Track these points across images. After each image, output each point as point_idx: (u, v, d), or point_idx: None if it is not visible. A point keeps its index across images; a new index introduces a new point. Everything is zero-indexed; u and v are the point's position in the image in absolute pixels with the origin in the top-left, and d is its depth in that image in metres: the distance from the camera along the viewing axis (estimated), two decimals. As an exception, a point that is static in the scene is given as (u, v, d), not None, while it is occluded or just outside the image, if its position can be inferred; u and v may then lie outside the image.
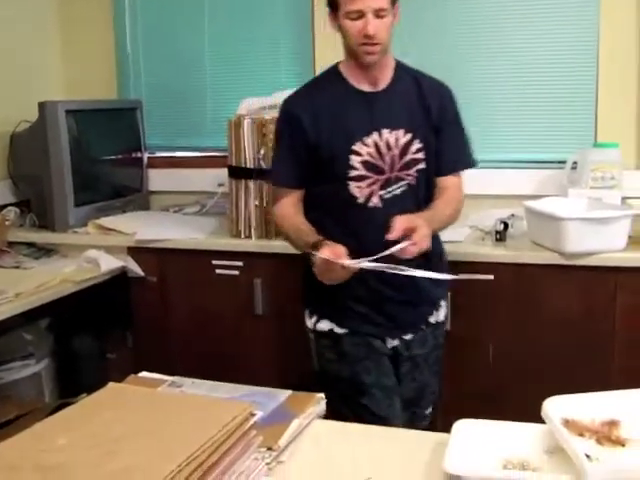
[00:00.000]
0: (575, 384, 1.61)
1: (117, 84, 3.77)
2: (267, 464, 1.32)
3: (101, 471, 1.04)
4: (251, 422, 1.23)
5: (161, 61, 3.69)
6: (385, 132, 2.08)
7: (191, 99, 3.66)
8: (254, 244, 2.95)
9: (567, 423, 1.31)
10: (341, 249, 1.88)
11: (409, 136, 2.10)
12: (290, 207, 2.18)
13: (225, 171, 3.03)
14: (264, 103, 3.15)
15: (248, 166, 2.93)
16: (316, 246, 1.92)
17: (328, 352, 2.23)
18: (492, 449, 1.36)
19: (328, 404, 1.59)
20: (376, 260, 1.82)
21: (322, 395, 1.59)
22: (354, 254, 1.89)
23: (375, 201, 2.10)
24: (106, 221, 3.18)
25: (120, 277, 3.02)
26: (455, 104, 2.21)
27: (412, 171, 2.12)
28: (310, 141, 2.10)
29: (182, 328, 3.08)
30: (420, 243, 1.87)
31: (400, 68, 2.17)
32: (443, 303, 2.33)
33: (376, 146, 2.08)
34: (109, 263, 2.96)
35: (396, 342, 2.22)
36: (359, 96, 2.11)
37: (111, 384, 1.37)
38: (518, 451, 1.35)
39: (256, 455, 1.26)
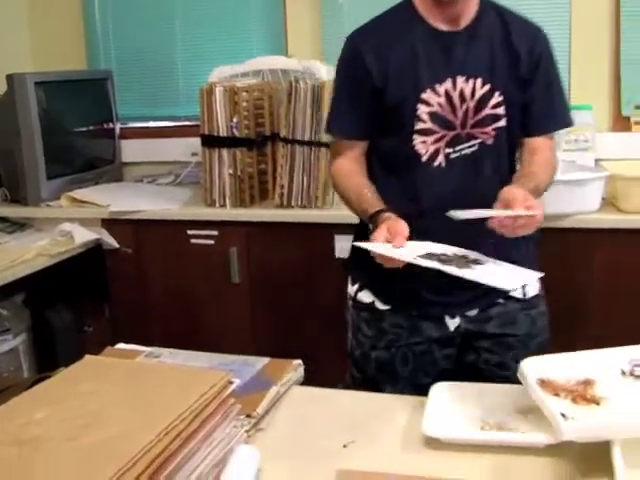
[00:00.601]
0: (555, 347, 1.60)
1: (86, 54, 3.71)
2: (246, 431, 1.33)
3: (79, 443, 1.03)
4: (229, 390, 1.23)
5: (131, 31, 3.63)
6: (460, 80, 1.72)
7: (162, 68, 3.61)
8: (229, 213, 2.93)
9: (542, 383, 1.32)
10: (401, 228, 1.55)
11: (488, 87, 1.73)
12: (351, 164, 1.83)
13: (198, 140, 3.01)
14: (236, 71, 3.13)
15: (221, 134, 2.91)
16: (375, 220, 1.64)
17: (365, 327, 1.87)
18: (470, 411, 1.37)
19: (356, 387, 1.56)
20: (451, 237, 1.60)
21: (299, 361, 1.59)
22: (415, 223, 1.60)
23: (440, 160, 1.74)
24: (79, 193, 3.15)
25: (95, 249, 3.00)
26: (551, 52, 1.83)
27: (488, 129, 1.75)
28: (374, 84, 1.74)
29: (159, 298, 3.07)
30: (539, 217, 1.53)
31: (484, 2, 1.78)
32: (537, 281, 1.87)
33: (448, 96, 1.72)
34: (83, 236, 2.94)
35: (457, 321, 1.81)
36: (434, 36, 1.74)
37: (88, 356, 1.36)
38: (495, 412, 1.36)
39: (235, 423, 1.26)
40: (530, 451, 1.25)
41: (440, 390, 1.43)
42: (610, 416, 1.22)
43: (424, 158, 1.74)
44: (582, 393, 1.29)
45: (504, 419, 1.34)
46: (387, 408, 1.46)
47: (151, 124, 3.70)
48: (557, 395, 1.29)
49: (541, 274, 1.60)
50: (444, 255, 1.54)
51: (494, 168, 1.77)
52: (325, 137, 2.83)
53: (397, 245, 1.51)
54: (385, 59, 1.73)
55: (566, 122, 1.87)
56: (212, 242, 2.94)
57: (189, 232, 2.96)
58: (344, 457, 1.28)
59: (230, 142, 2.91)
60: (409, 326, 1.81)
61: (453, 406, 1.39)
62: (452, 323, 1.80)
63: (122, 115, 3.60)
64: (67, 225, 2.97)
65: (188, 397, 1.15)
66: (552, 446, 1.23)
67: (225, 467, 1.18)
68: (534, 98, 1.78)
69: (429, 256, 1.52)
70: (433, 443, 1.29)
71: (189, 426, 1.11)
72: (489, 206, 1.54)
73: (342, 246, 2.69)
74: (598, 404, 1.26)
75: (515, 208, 1.49)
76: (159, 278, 3.06)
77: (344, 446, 1.32)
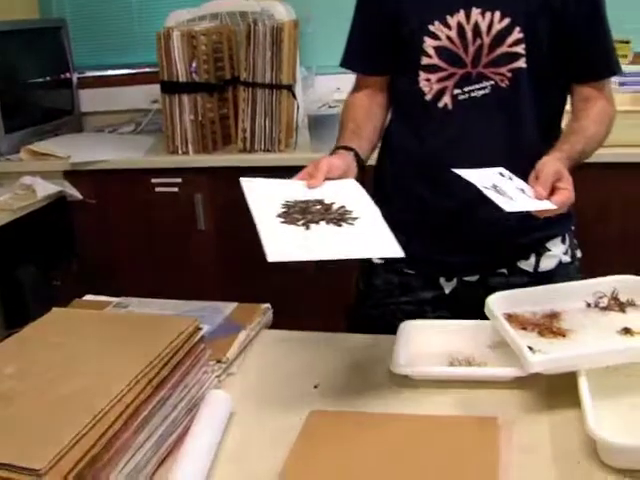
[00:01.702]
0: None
1: (38, 3, 3.61)
2: (217, 377, 1.33)
3: (50, 396, 1.03)
4: (198, 336, 1.22)
5: (83, -24, 3.54)
6: (475, 12, 1.52)
7: (117, 14, 3.53)
8: (192, 159, 2.91)
9: (510, 318, 1.33)
10: (322, 165, 1.40)
11: (507, 21, 1.51)
12: (363, 98, 1.68)
13: (158, 87, 2.96)
14: (193, 14, 3.08)
15: (181, 80, 2.87)
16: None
17: (360, 280, 1.77)
18: (438, 347, 1.38)
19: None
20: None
21: (268, 305, 1.59)
22: (420, 172, 1.56)
23: (446, 101, 1.57)
24: (39, 146, 3.09)
25: (58, 202, 2.95)
26: None
27: (504, 69, 1.53)
28: (388, 10, 1.59)
29: (126, 248, 3.06)
30: (568, 199, 1.35)
31: None
32: (557, 245, 1.67)
33: (460, 30, 1.53)
34: (45, 188, 2.89)
35: (454, 283, 1.67)
36: None
37: (55, 309, 1.34)
38: (463, 348, 1.37)
39: (205, 368, 1.26)
40: (499, 385, 1.26)
41: (408, 328, 1.44)
42: (576, 348, 1.24)
43: (428, 97, 1.58)
44: (548, 326, 1.31)
45: (472, 354, 1.35)
46: (357, 348, 1.46)
47: (109, 72, 3.62)
48: (524, 329, 1.30)
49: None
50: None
51: (510, 118, 1.56)
52: (286, 79, 2.80)
53: (311, 185, 1.36)
54: None
55: (616, 68, 1.62)
56: (176, 190, 2.92)
57: (153, 180, 2.93)
58: (315, 398, 1.29)
59: (190, 88, 2.88)
60: (400, 284, 1.69)
61: (421, 343, 1.39)
62: (448, 285, 1.67)
63: (78, 64, 3.52)
64: (28, 179, 2.91)
65: (158, 345, 1.14)
66: (520, 379, 1.25)
67: (198, 412, 1.19)
68: (576, 38, 1.54)
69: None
70: (402, 380, 1.30)
71: (160, 373, 1.11)
72: (498, 163, 1.43)
73: (307, 189, 2.68)
74: (564, 336, 1.28)
75: (537, 188, 1.33)
76: (125, 228, 3.03)
77: (315, 387, 1.32)
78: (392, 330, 1.45)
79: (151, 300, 1.62)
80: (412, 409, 1.22)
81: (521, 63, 1.53)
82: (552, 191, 1.33)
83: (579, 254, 1.70)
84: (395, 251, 1.19)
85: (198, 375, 1.23)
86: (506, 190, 1.33)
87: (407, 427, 1.16)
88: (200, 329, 1.24)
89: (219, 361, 1.37)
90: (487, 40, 1.52)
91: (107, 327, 1.27)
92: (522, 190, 1.34)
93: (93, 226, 3.04)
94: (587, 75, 1.59)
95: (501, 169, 1.42)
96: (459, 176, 1.36)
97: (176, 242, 2.98)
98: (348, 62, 1.70)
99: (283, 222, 1.23)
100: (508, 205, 1.27)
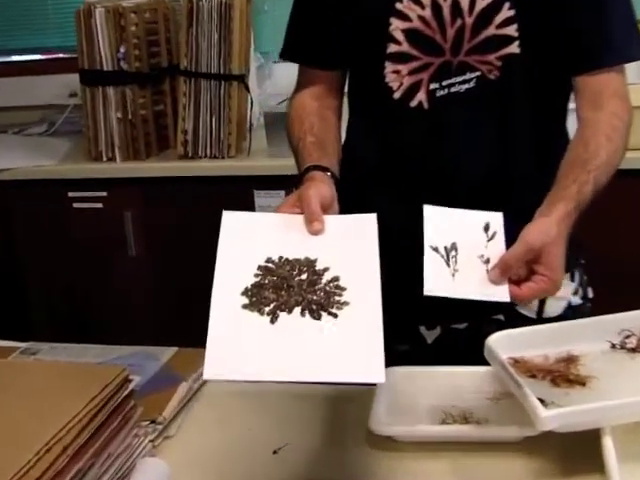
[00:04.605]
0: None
1: None
2: (151, 441, 1.32)
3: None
4: (127, 390, 1.22)
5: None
6: None
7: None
8: (120, 168, 2.91)
9: (516, 363, 1.33)
10: (313, 199, 1.31)
11: None
12: (311, 100, 1.65)
13: (76, 77, 2.96)
14: (120, -13, 3.08)
15: (105, 69, 2.87)
16: (301, 181, 1.45)
17: None
18: (428, 400, 1.39)
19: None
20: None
21: (215, 351, 1.59)
22: (390, 190, 1.55)
23: (420, 98, 1.53)
24: None
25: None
26: None
27: (492, 57, 1.50)
28: None
29: (38, 280, 3.05)
30: (538, 293, 1.35)
31: None
32: (565, 285, 1.56)
33: (435, 7, 1.49)
34: None
35: (437, 332, 1.67)
36: None
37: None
38: (458, 400, 1.38)
39: (137, 431, 1.25)
40: (503, 447, 1.27)
41: (391, 377, 1.43)
42: (599, 399, 1.24)
43: (396, 95, 1.54)
44: (564, 372, 1.31)
45: (470, 409, 1.35)
46: (328, 402, 1.46)
47: (14, 58, 3.63)
48: (533, 376, 1.30)
49: None
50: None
51: (501, 120, 1.54)
52: (237, 68, 2.81)
53: (315, 231, 1.28)
54: None
55: (627, 54, 1.55)
56: (100, 206, 2.91)
57: (70, 194, 2.93)
58: (275, 467, 1.28)
59: (117, 78, 2.88)
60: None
61: (407, 396, 1.40)
62: (430, 335, 1.66)
63: (-23, 48, 3.53)
64: None
65: (75, 402, 1.13)
66: (529, 440, 1.25)
67: (126, 487, 1.18)
68: (584, 16, 1.50)
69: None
70: (384, 443, 1.30)
71: (77, 438, 1.09)
72: (486, 179, 1.47)
73: (264, 204, 2.68)
74: (584, 385, 1.28)
75: (492, 271, 1.30)
76: (36, 254, 3.02)
77: (274, 452, 1.32)
78: None
79: (67, 345, 1.61)
80: (396, 478, 1.22)
81: (513, 48, 1.50)
82: (529, 273, 1.31)
83: (591, 293, 1.69)
84: (377, 377, 1.10)
85: (127, 440, 1.21)
86: (461, 259, 1.32)
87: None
88: (129, 381, 1.23)
89: (154, 421, 1.36)
90: (470, 20, 1.49)
91: (10, 380, 1.26)
92: (487, 260, 1.33)
93: (-5, 251, 3.02)
94: (591, 61, 1.53)
95: (493, 217, 1.37)
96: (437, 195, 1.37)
97: (99, 271, 2.97)
98: (288, 51, 1.69)
99: (246, 306, 1.16)
100: (432, 283, 1.28)
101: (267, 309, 1.15)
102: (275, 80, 3.19)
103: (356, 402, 1.43)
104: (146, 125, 2.96)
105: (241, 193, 2.75)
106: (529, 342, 1.38)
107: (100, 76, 2.88)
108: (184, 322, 2.84)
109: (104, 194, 2.90)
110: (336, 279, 1.20)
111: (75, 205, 2.93)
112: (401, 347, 1.63)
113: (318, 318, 1.14)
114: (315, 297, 1.17)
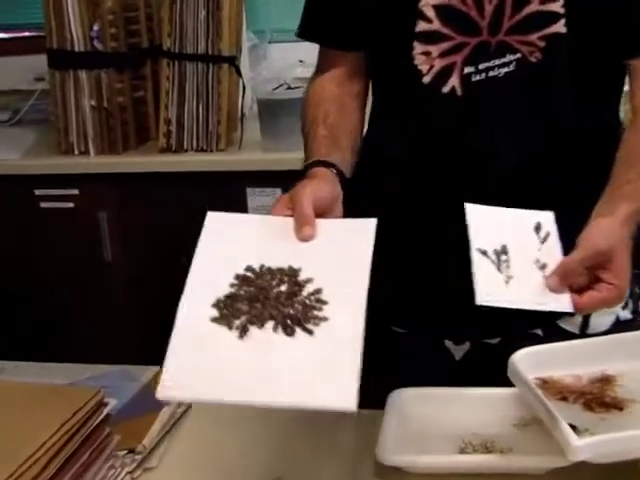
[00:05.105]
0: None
1: None
2: (129, 472, 1.32)
3: None
4: (101, 416, 1.22)
5: None
6: None
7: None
8: (93, 163, 2.92)
9: (544, 384, 1.33)
10: (306, 201, 1.31)
11: None
12: (330, 85, 1.66)
13: (44, 58, 2.96)
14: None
15: (77, 49, 2.87)
16: (302, 177, 1.45)
17: None
18: (444, 426, 1.39)
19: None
20: None
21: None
22: (414, 188, 1.55)
23: (453, 84, 1.52)
24: None
25: None
26: None
27: (535, 37, 1.49)
28: None
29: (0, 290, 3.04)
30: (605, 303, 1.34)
31: None
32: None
33: None
34: None
35: (467, 347, 1.67)
36: None
37: None
38: (479, 427, 1.37)
39: (113, 461, 1.25)
40: (528, 479, 1.27)
41: (402, 400, 1.44)
42: (638, 425, 1.24)
43: (426, 79, 1.53)
44: (599, 395, 1.31)
45: (492, 437, 1.35)
46: (328, 427, 1.46)
47: (-26, 38, 3.63)
48: (564, 399, 1.31)
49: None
50: None
51: (545, 108, 1.53)
52: (227, 49, 2.81)
53: (305, 237, 1.28)
54: None
55: None
56: (72, 205, 2.92)
57: (37, 192, 2.93)
58: (270, 501, 1.29)
59: (91, 60, 2.88)
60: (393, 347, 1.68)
61: (421, 421, 1.40)
62: (458, 350, 1.67)
63: None
64: None
65: (42, 429, 1.13)
66: (560, 471, 1.25)
67: (101, 525, 1.18)
68: None
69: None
70: (394, 475, 1.30)
71: (45, 470, 1.10)
72: (528, 175, 1.47)
73: (258, 204, 2.68)
74: (621, 410, 1.28)
75: (550, 278, 1.30)
76: (-2, 259, 3.02)
77: (270, 485, 1.32)
78: (380, 402, 1.44)
79: (32, 363, 1.62)
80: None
81: (559, 27, 1.48)
82: (592, 281, 1.30)
83: None
84: (347, 403, 1.06)
85: (102, 471, 1.22)
86: (513, 264, 1.32)
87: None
88: (104, 405, 1.23)
89: (132, 451, 1.36)
90: None
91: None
92: (543, 266, 1.33)
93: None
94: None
95: (544, 217, 1.38)
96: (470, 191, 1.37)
97: (70, 280, 2.97)
98: (307, 30, 1.69)
99: (215, 320, 1.17)
100: (485, 291, 1.27)
101: (237, 322, 1.15)
102: (270, 63, 3.20)
103: (362, 428, 1.43)
104: (124, 114, 2.96)
105: (232, 191, 2.75)
106: (559, 360, 1.38)
107: (71, 58, 2.89)
108: (166, 337, 2.84)
109: (75, 192, 2.91)
110: (318, 291, 1.19)
111: (42, 205, 2.93)
112: (424, 364, 1.64)
113: (291, 334, 1.14)
114: (292, 311, 1.16)
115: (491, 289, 1.27)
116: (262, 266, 1.22)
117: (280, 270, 1.22)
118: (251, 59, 3.12)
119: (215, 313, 1.17)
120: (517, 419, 1.38)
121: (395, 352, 1.66)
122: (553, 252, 1.33)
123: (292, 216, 1.29)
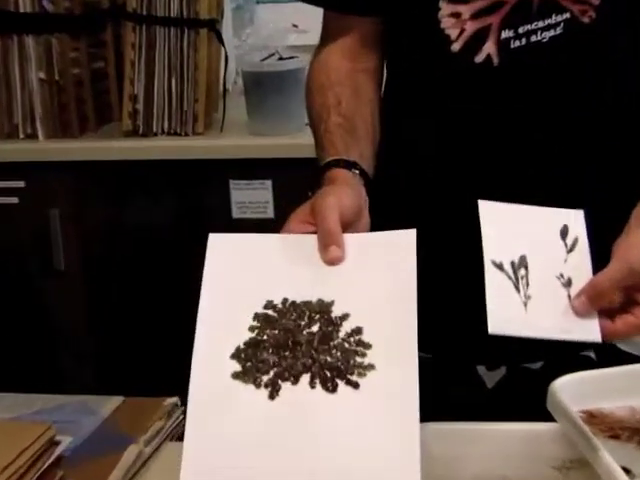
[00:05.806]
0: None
1: None
2: (87, 526, 1.33)
3: None
4: (53, 457, 1.22)
5: None
6: None
7: None
8: (43, 149, 2.93)
9: (591, 418, 1.33)
10: (332, 219, 1.27)
11: None
12: (341, 58, 1.66)
13: (-18, 23, 2.97)
14: None
15: (22, 10, 2.89)
16: (321, 179, 1.45)
17: None
18: (471, 468, 1.39)
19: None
20: None
21: (175, 400, 1.59)
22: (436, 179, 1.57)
23: (489, 51, 1.51)
24: None
25: None
26: None
27: None
28: None
29: None
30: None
31: None
32: None
33: None
34: None
35: (502, 372, 1.69)
36: None
37: None
38: (511, 469, 1.38)
39: (67, 512, 1.26)
40: (573, 533, 1.27)
41: (424, 435, 1.44)
42: None
43: (456, 46, 1.52)
44: (657, 432, 1.32)
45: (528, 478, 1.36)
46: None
47: None
48: (615, 437, 1.31)
49: None
50: None
51: (599, 79, 1.53)
52: (206, 11, 2.81)
53: (334, 260, 1.25)
54: None
55: None
56: (15, 201, 2.92)
57: (-25, 185, 2.93)
58: None
59: (39, 23, 2.90)
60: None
61: (443, 462, 1.40)
62: (491, 377, 1.69)
63: None
64: None
65: (-19, 472, 1.14)
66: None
67: None
68: None
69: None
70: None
71: (-15, 522, 1.10)
72: (576, 166, 1.49)
73: (243, 199, 2.69)
74: (684, 449, 1.29)
75: (576, 300, 1.28)
76: None
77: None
78: None
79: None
80: None
81: None
82: (626, 302, 1.27)
83: None
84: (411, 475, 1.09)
85: (53, 523, 1.22)
86: (533, 280, 1.29)
87: None
88: (57, 444, 1.24)
89: (90, 499, 1.36)
90: None
91: None
92: (568, 282, 1.31)
93: None
94: None
95: (572, 216, 1.36)
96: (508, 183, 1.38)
97: (13, 291, 2.98)
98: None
99: (237, 376, 1.14)
100: (498, 319, 1.24)
101: (265, 378, 1.13)
102: (258, 28, 3.19)
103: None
104: (80, 89, 2.97)
105: (212, 183, 2.76)
106: (608, 389, 1.38)
107: (15, 20, 2.90)
108: (131, 362, 2.85)
109: (21, 184, 2.92)
110: (358, 331, 1.17)
111: (-19, 200, 2.94)
112: (450, 393, 1.64)
113: (333, 390, 1.12)
114: (330, 358, 1.14)
115: (506, 315, 1.25)
116: (285, 300, 1.20)
117: (307, 304, 1.19)
118: (234, 23, 3.13)
119: (237, 367, 1.14)
120: (558, 460, 1.38)
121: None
122: (582, 265, 1.30)
123: (314, 233, 1.26)
